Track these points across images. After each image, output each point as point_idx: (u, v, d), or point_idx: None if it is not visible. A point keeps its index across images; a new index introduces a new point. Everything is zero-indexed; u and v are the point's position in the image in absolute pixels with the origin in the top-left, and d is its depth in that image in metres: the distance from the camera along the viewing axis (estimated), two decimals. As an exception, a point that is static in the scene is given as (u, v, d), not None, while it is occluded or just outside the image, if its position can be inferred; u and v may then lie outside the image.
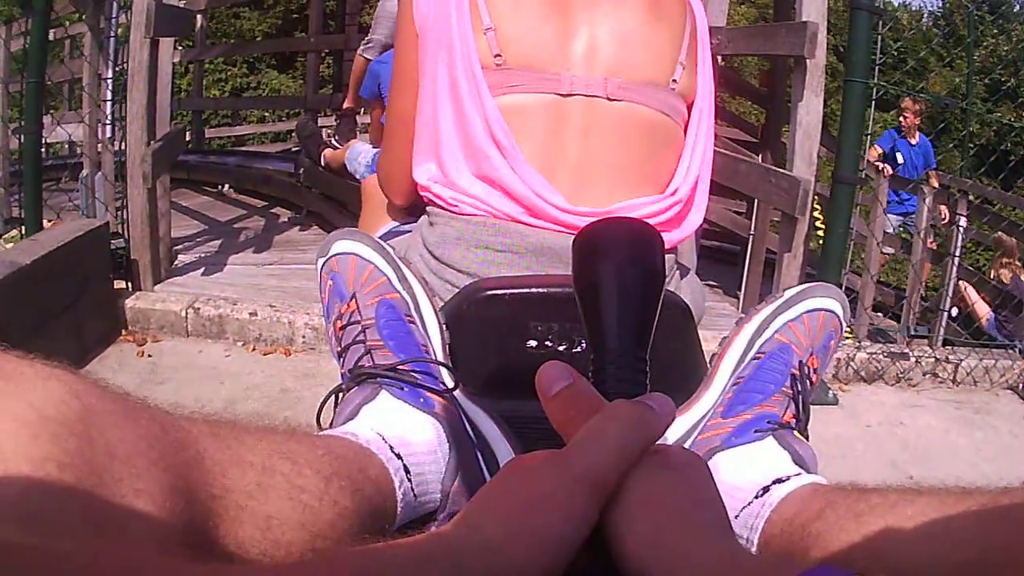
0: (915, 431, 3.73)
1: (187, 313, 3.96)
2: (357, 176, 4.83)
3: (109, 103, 4.80)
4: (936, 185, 6.63)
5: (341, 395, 1.01)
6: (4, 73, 7.16)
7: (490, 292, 1.12)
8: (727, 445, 0.92)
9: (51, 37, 8.83)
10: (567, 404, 0.56)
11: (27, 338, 3.16)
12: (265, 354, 3.85)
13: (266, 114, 16.18)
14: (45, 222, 4.29)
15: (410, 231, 1.44)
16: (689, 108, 1.37)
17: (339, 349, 1.07)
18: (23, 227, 4.27)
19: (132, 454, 0.50)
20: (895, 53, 4.09)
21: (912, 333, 4.69)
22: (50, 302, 3.44)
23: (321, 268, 1.15)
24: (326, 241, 1.17)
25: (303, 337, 3.89)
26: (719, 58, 4.43)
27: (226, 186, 7.56)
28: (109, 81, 4.83)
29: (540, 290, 1.12)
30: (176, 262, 4.74)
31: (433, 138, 1.29)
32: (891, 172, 6.43)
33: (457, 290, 1.21)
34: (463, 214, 1.26)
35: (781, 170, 3.95)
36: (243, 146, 14.58)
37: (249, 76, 18.09)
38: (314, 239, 5.54)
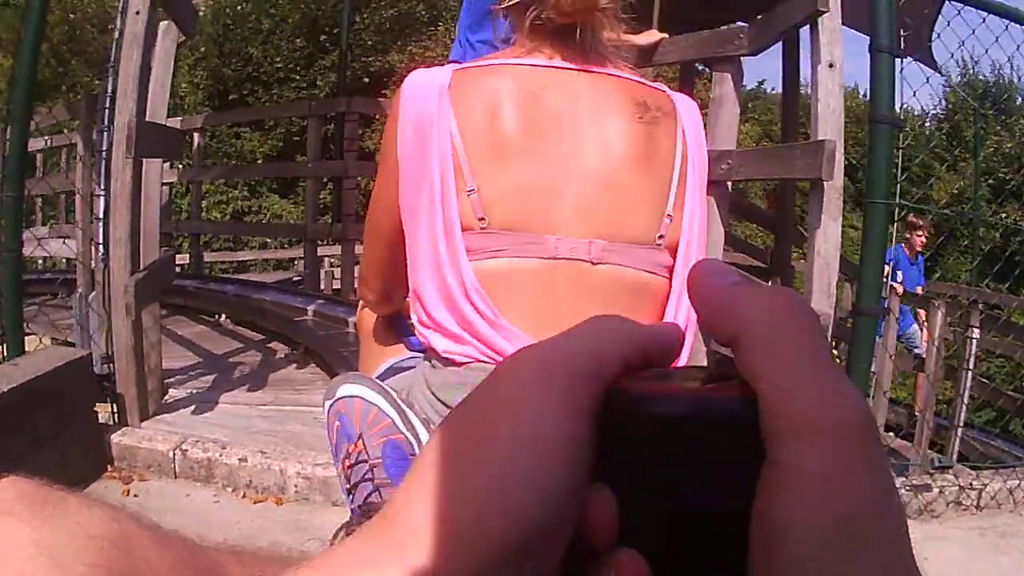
0: (939, 565, 3.47)
1: (175, 454, 3.73)
2: None
3: (102, 221, 4.41)
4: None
5: (351, 529, 1.02)
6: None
7: None
8: None
9: (50, 145, 8.80)
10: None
11: (9, 469, 2.90)
12: (256, 502, 3.59)
13: (268, 240, 16.12)
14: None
15: (412, 366, 1.46)
16: (674, 252, 1.33)
17: (348, 486, 1.17)
18: (4, 348, 4.04)
19: (170, 571, 0.52)
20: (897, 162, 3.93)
21: (936, 465, 4.47)
22: (32, 433, 3.25)
23: (328, 410, 1.26)
24: (332, 384, 1.28)
25: (295, 487, 3.61)
26: (728, 184, 4.27)
27: (223, 316, 7.34)
28: (101, 198, 4.47)
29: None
30: (167, 396, 4.51)
31: (417, 286, 1.29)
32: (902, 291, 6.30)
33: None
34: (457, 364, 1.26)
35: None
36: (246, 272, 14.52)
37: (250, 199, 17.99)
38: (310, 378, 5.31)
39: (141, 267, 4.14)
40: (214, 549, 0.62)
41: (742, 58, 4.11)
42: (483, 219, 1.22)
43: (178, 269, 9.75)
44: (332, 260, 10.58)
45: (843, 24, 3.62)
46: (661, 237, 1.29)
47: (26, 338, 5.16)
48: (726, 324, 0.35)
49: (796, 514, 0.30)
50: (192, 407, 4.37)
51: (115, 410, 3.97)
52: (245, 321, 7.07)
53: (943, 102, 19.83)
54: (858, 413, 0.31)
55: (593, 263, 1.23)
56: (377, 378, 1.39)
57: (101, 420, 3.92)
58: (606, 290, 1.25)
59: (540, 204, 1.23)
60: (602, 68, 1.31)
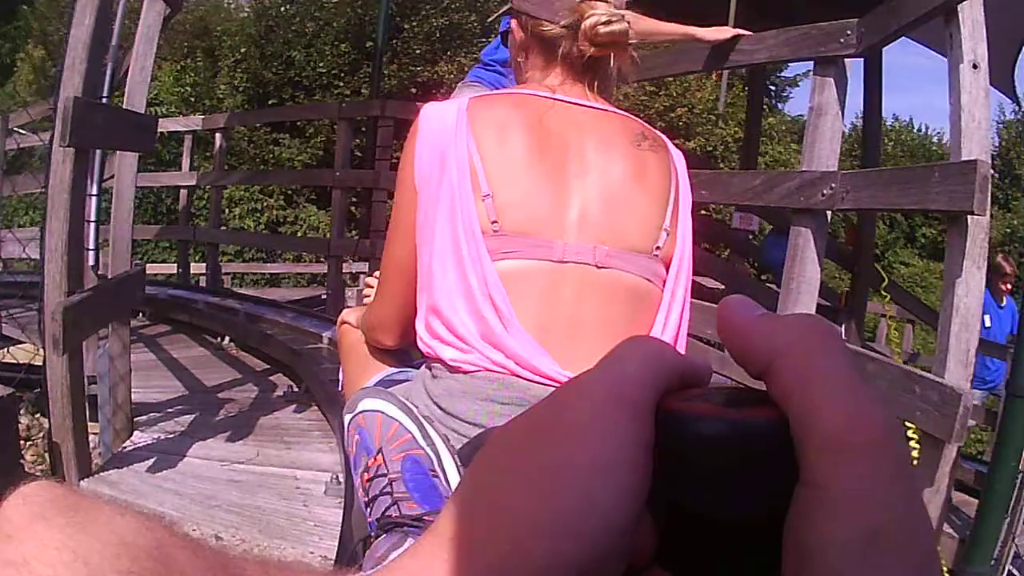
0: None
1: (110, 531, 2.88)
2: None
3: (93, 224, 3.91)
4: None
5: (369, 542, 1.19)
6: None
7: None
8: None
9: (49, 142, 8.21)
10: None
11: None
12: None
13: (303, 252, 15.44)
14: None
15: (405, 379, 1.51)
16: (668, 265, 1.43)
17: (366, 499, 1.23)
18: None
19: None
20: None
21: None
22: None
23: (348, 424, 1.34)
24: (353, 399, 1.36)
25: (253, 593, 2.71)
26: (828, 215, 3.38)
27: (227, 339, 6.46)
28: (94, 198, 3.94)
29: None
30: (127, 443, 3.73)
31: (434, 294, 1.33)
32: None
33: (465, 439, 1.28)
34: (465, 372, 1.31)
35: (930, 375, 2.62)
36: (278, 285, 13.88)
37: (286, 209, 17.40)
38: (306, 428, 4.35)
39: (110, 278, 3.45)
40: (241, 558, 0.55)
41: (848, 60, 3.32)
42: (496, 222, 1.31)
43: (200, 282, 9.14)
44: (367, 278, 9.82)
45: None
46: (658, 248, 1.40)
47: (21, 346, 4.69)
48: (758, 354, 0.36)
49: (825, 530, 0.31)
50: (152, 460, 3.55)
51: (51, 464, 3.20)
52: (251, 347, 6.22)
53: (996, 138, 19.49)
54: (886, 431, 0.32)
55: (598, 267, 1.33)
56: None
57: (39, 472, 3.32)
58: (608, 293, 1.34)
59: (548, 212, 1.33)
60: (606, 106, 1.46)
